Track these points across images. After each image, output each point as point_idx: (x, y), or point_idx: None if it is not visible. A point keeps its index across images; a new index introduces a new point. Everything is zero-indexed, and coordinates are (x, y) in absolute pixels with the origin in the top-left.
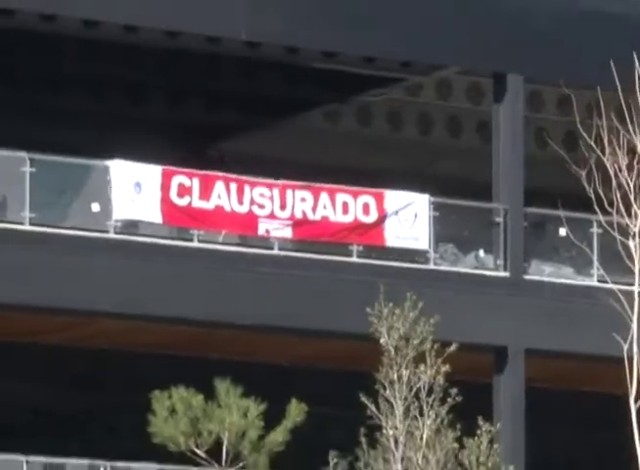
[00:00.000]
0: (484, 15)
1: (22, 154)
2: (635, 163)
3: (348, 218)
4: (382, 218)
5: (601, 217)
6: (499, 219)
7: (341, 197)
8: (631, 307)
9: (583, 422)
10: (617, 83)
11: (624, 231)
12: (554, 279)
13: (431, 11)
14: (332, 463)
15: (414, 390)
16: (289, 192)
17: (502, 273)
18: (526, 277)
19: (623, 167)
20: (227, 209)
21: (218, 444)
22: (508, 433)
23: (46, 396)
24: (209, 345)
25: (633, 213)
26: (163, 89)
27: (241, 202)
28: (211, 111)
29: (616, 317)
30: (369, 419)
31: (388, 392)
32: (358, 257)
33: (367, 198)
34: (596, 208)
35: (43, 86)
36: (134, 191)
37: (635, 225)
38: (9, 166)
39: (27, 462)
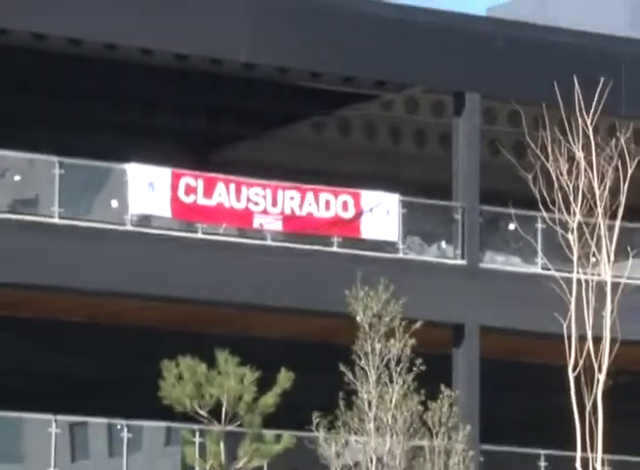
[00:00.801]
0: (446, 41)
1: (53, 158)
2: (574, 168)
3: (330, 214)
4: (358, 214)
5: (545, 214)
6: (458, 216)
7: (323, 196)
8: (570, 291)
9: (529, 389)
10: (560, 101)
11: (565, 226)
12: (505, 267)
13: (401, 38)
14: (315, 422)
15: (385, 360)
16: (279, 192)
17: (460, 262)
18: (481, 265)
19: (564, 172)
20: (227, 205)
21: (218, 405)
22: (465, 398)
23: (72, 365)
24: (211, 321)
25: (572, 211)
26: (172, 104)
27: (238, 199)
28: (213, 122)
29: (556, 300)
30: (347, 385)
31: (362, 362)
32: (338, 247)
33: (346, 197)
34: (541, 206)
35: (71, 101)
36: (147, 190)
37: (574, 221)
38: (41, 169)
39: (56, 420)
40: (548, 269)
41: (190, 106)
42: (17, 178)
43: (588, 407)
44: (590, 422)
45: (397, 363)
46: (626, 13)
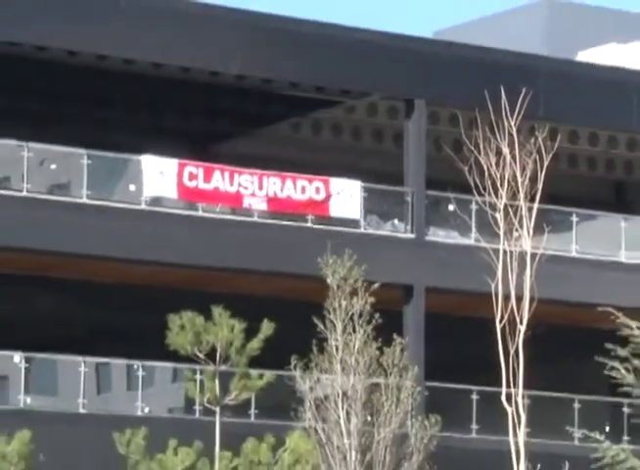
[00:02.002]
0: (400, 58)
1: (82, 151)
2: (501, 161)
3: (305, 197)
4: (328, 197)
5: (477, 198)
6: (408, 199)
7: (300, 182)
8: (497, 259)
9: (464, 338)
10: (490, 106)
11: (493, 207)
12: (445, 240)
13: (362, 55)
14: (292, 363)
15: (349, 314)
16: (264, 178)
17: (410, 235)
18: (426, 238)
19: (493, 164)
20: (222, 189)
21: (213, 350)
22: (413, 345)
23: (98, 318)
24: (208, 282)
25: (499, 195)
26: (178, 107)
27: (231, 184)
28: (211, 122)
29: (486, 266)
30: (319, 334)
31: (331, 316)
32: (312, 223)
33: (318, 183)
34: (474, 191)
35: (97, 105)
36: (158, 176)
37: (500, 203)
38: (73, 159)
39: (85, 362)
40: (479, 242)
41: (192, 109)
42: (53, 167)
43: (512, 352)
44: (513, 364)
45: (359, 317)
46: (542, 37)
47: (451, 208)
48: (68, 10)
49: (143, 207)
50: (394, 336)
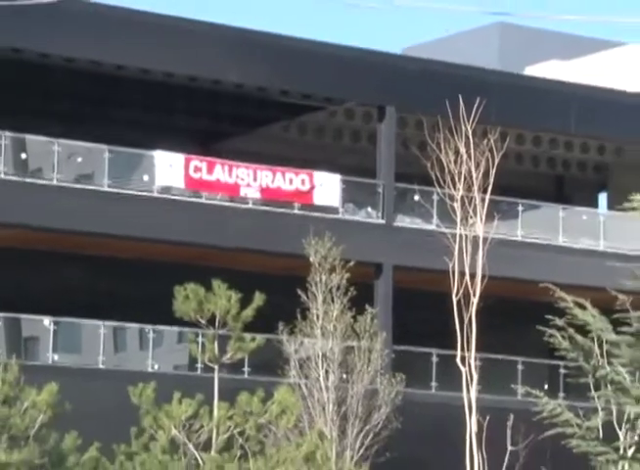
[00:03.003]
0: (374, 71)
1: (104, 146)
2: (458, 159)
3: (292, 187)
4: (312, 188)
5: (438, 190)
6: (380, 190)
7: (288, 175)
8: (454, 242)
9: (426, 309)
10: (450, 113)
11: (452, 198)
12: (411, 225)
13: (343, 68)
14: (280, 329)
15: (328, 287)
16: (258, 171)
17: (380, 221)
18: (395, 224)
19: (452, 161)
20: (222, 180)
21: (213, 316)
22: (382, 314)
23: (116, 288)
24: (209, 258)
25: (457, 188)
26: (186, 110)
27: (230, 176)
28: (214, 124)
29: (445, 247)
30: (302, 304)
31: (313, 288)
32: (298, 210)
33: (304, 176)
34: (436, 184)
35: (117, 109)
36: (168, 169)
37: (458, 195)
38: (96, 154)
39: (104, 325)
40: (440, 227)
41: (197, 112)
42: (79, 160)
43: (466, 321)
44: (467, 331)
45: (337, 290)
46: (495, 54)
47: (416, 198)
48: (93, 27)
49: (155, 194)
50: (366, 306)
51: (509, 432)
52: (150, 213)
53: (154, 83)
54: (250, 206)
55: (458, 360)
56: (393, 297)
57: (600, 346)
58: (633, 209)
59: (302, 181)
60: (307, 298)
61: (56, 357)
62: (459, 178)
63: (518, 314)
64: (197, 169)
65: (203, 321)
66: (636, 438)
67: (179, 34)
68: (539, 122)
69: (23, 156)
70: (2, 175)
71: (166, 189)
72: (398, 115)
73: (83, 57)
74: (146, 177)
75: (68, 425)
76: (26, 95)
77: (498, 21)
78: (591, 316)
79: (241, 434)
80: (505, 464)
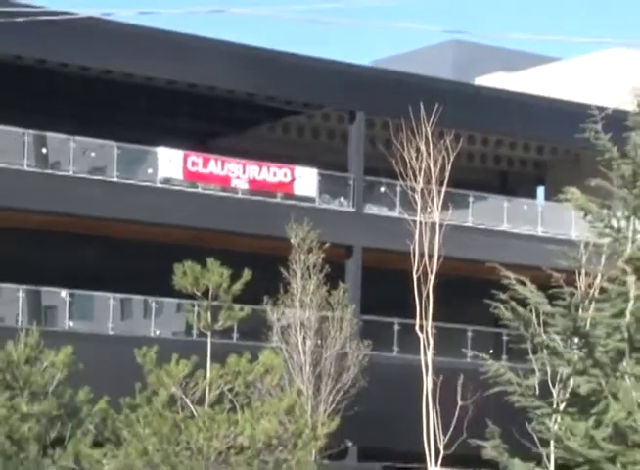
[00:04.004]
0: (347, 80)
1: (114, 143)
2: (419, 156)
3: (276, 180)
4: (293, 180)
5: (402, 183)
6: (351, 182)
7: (273, 169)
8: (415, 227)
9: (390, 284)
10: (412, 116)
11: (413, 189)
12: (377, 213)
13: (320, 77)
14: (265, 301)
15: (306, 266)
16: (247, 166)
17: (351, 209)
18: (364, 211)
19: (413, 158)
20: (215, 173)
21: (207, 289)
22: (352, 288)
23: (126, 266)
24: (204, 240)
25: (417, 181)
26: (185, 113)
27: (222, 170)
28: (209, 124)
29: (407, 232)
30: (284, 280)
31: (293, 266)
32: (280, 199)
33: (286, 170)
34: (399, 178)
35: (127, 112)
36: (169, 163)
37: (418, 187)
38: (107, 149)
39: (113, 297)
40: (403, 215)
41: (195, 114)
42: (92, 154)
43: (424, 295)
44: (425, 304)
45: (314, 268)
46: (450, 66)
47: (382, 189)
48: (105, 40)
49: (157, 185)
50: (339, 282)
51: (459, 389)
52: (153, 201)
53: (157, 89)
54: (239, 195)
55: (417, 328)
56: (362, 274)
57: (537, 316)
58: (567, 200)
59: (285, 174)
60: (288, 274)
61: (71, 324)
62: (419, 173)
63: (468, 290)
64: (194, 164)
65: (198, 294)
66: (567, 395)
67: (180, 47)
68: (487, 126)
69: (44, 151)
70: (25, 167)
71: (167, 180)
72: (367, 118)
73: (97, 66)
74: (150, 170)
75: (81, 382)
76: (47, 98)
77: (453, 38)
78: (530, 291)
79: (230, 390)
80: (455, 417)
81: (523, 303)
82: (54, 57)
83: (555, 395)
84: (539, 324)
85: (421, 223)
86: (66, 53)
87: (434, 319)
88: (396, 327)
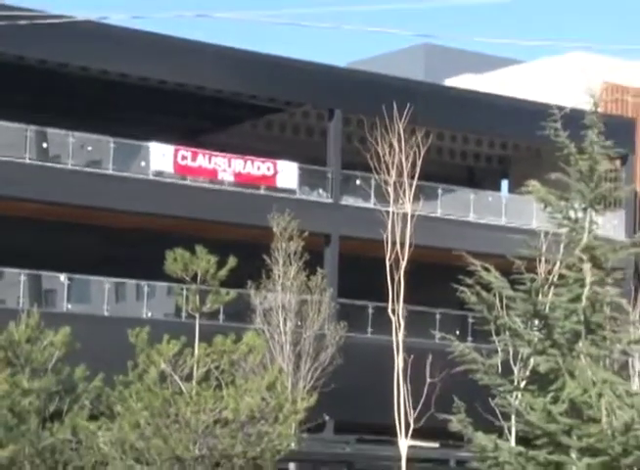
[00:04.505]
0: (325, 80)
1: (110, 138)
2: (392, 151)
3: (260, 173)
4: (275, 173)
5: (376, 176)
6: (329, 175)
7: (256, 163)
8: (388, 217)
9: (365, 270)
10: (385, 115)
11: (386, 182)
12: (353, 204)
13: (301, 78)
14: (249, 285)
15: (287, 252)
16: (232, 160)
17: (329, 200)
18: (341, 202)
19: (387, 153)
20: (204, 166)
21: (196, 274)
22: (330, 274)
23: (121, 253)
24: (193, 229)
25: (390, 175)
26: (176, 111)
27: (210, 163)
28: (197, 121)
29: (381, 222)
30: (267, 266)
31: (276, 253)
32: (264, 191)
33: (269, 164)
34: (374, 171)
35: (121, 108)
36: (161, 157)
37: (391, 180)
38: (103, 144)
39: (108, 281)
40: (377, 205)
41: (185, 112)
42: (89, 149)
43: (396, 280)
44: (397, 288)
45: (294, 255)
46: (421, 68)
47: (358, 182)
48: (102, 43)
49: (150, 177)
50: (317, 268)
51: (428, 368)
52: (146, 192)
53: (150, 88)
54: (225, 187)
55: (389, 311)
56: (339, 261)
57: (500, 300)
58: (528, 192)
59: (268, 168)
60: (270, 261)
61: (69, 306)
62: (392, 167)
63: (436, 275)
64: (183, 158)
65: (187, 278)
66: (527, 373)
67: (171, 50)
68: (455, 124)
69: (45, 145)
70: (27, 160)
71: (159, 173)
72: (344, 116)
73: (94, 67)
74: (143, 163)
75: (78, 360)
76: (48, 96)
77: (424, 42)
78: (494, 277)
79: (216, 368)
80: (424, 393)
81: (487, 287)
82: (54, 58)
83: (516, 373)
84: (502, 307)
85: (393, 214)
86: (65, 54)
87: (405, 303)
88: (370, 310)
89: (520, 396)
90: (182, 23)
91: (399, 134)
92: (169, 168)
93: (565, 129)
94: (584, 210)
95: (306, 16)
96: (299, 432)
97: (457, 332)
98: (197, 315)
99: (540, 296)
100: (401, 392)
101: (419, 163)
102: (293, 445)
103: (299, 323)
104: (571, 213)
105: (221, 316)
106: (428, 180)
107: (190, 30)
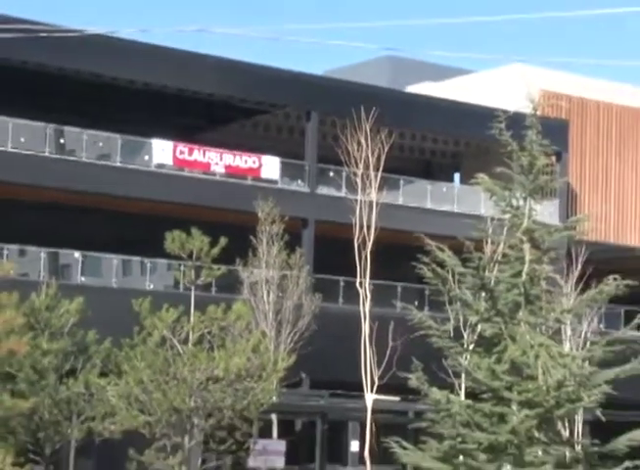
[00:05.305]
0: (305, 87)
1: (118, 135)
2: (361, 148)
3: (247, 166)
4: (260, 166)
5: (347, 169)
6: (306, 168)
7: (244, 157)
8: (356, 205)
9: (337, 250)
10: (354, 117)
11: (355, 175)
12: (327, 193)
13: (283, 84)
14: (237, 262)
15: (271, 234)
16: (224, 154)
17: (307, 190)
18: (317, 191)
19: (355, 150)
20: (199, 160)
21: (191, 252)
22: (307, 254)
23: (126, 234)
24: (190, 213)
25: (359, 168)
26: (175, 111)
27: (204, 157)
28: (194, 121)
29: (350, 208)
30: (253, 247)
31: (260, 235)
32: (250, 181)
33: (255, 158)
34: (345, 165)
35: (127, 110)
36: (162, 151)
37: (359, 173)
38: (112, 140)
39: (116, 258)
40: (347, 194)
41: (183, 113)
42: (100, 144)
43: (363, 257)
44: (364, 265)
45: (276, 236)
46: (385, 77)
47: (331, 174)
48: (112, 53)
49: (152, 169)
50: (296, 248)
51: (390, 333)
52: (148, 182)
53: (153, 93)
54: (217, 178)
55: (357, 285)
56: (314, 241)
57: (452, 276)
58: (477, 183)
59: (254, 161)
60: (256, 241)
61: (83, 279)
62: (360, 161)
63: (398, 254)
64: (181, 152)
65: (184, 256)
66: (475, 337)
67: (172, 59)
68: (415, 124)
69: (62, 141)
70: (47, 154)
71: (160, 165)
72: (320, 117)
73: (106, 74)
74: (146, 157)
75: (90, 325)
76: (65, 99)
77: (389, 54)
78: (447, 256)
79: (209, 333)
80: (387, 355)
81: (441, 265)
82: (71, 65)
83: (465, 337)
84: (454, 282)
85: (361, 201)
86: (80, 63)
87: (371, 278)
88: (341, 284)
89: (468, 357)
90: (183, 37)
91: (366, 133)
92: (169, 161)
93: (508, 130)
94: (524, 198)
95: (289, 31)
96: (280, 387)
97: (416, 303)
98: (192, 287)
99: (487, 272)
100: (367, 354)
101: (383, 157)
102: (274, 398)
103: (280, 295)
104: (514, 202)
105: (213, 288)
106: (390, 173)
107: (190, 42)
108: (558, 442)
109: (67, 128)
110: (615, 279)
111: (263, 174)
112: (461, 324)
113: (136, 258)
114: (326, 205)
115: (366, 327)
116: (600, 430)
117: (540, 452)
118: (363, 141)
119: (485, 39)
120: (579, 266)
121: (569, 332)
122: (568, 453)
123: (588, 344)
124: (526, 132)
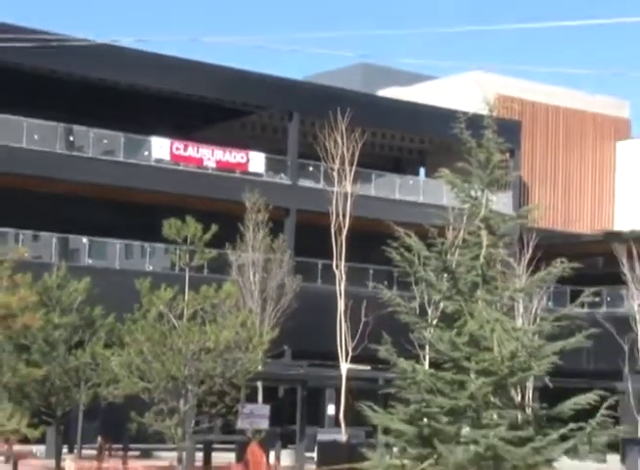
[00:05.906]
0: (288, 91)
1: (121, 134)
2: (336, 145)
3: (236, 161)
4: (247, 161)
5: (324, 164)
6: (288, 163)
7: (233, 153)
8: (333, 196)
9: (316, 236)
10: (331, 118)
11: (332, 169)
12: (307, 185)
13: (268, 87)
14: (227, 247)
15: (257, 222)
16: (215, 150)
17: (289, 182)
18: (298, 183)
19: (332, 147)
20: (193, 155)
21: (186, 238)
22: (289, 239)
23: (130, 223)
24: (185, 202)
25: (335, 163)
26: (171, 112)
27: (197, 153)
28: (188, 121)
29: (328, 199)
30: (241, 233)
31: (247, 222)
32: (239, 174)
33: (243, 154)
34: (323, 160)
35: (129, 111)
36: (160, 148)
37: (336, 167)
38: (116, 138)
39: (119, 243)
40: (325, 187)
41: (179, 113)
42: (105, 141)
43: (339, 243)
44: (340, 249)
45: (262, 223)
46: (359, 82)
47: (311, 168)
48: (117, 59)
49: (152, 163)
50: (279, 234)
51: (363, 310)
52: (148, 175)
53: (152, 95)
54: (209, 171)
55: (334, 267)
56: (296, 228)
57: (418, 259)
58: (440, 177)
59: (242, 157)
60: (243, 228)
61: (90, 261)
62: (336, 157)
63: (370, 239)
64: (177, 149)
65: (180, 241)
66: (438, 313)
67: (168, 65)
68: (385, 124)
69: (71, 138)
70: (58, 150)
71: (159, 160)
72: (301, 118)
73: (109, 78)
74: (146, 153)
75: (96, 302)
76: (73, 101)
77: (362, 61)
78: (414, 241)
79: (202, 310)
80: (360, 329)
81: (408, 249)
82: (78, 71)
83: (429, 313)
84: (420, 264)
85: (337, 193)
86: (87, 69)
87: (346, 261)
88: (320, 266)
89: (432, 331)
90: (178, 45)
91: (342, 132)
92: (166, 157)
93: (468, 129)
94: (482, 190)
95: (273, 39)
96: (265, 358)
97: (385, 283)
98: (187, 269)
99: (448, 255)
100: (343, 328)
101: (357, 154)
102: (260, 367)
103: (265, 275)
104: (472, 193)
105: (205, 270)
106: (364, 167)
107: (185, 50)
108: (511, 406)
109: (75, 127)
110: (562, 262)
111: (250, 168)
112: (426, 302)
113: (137, 243)
114: (306, 196)
115: (341, 304)
116: (548, 395)
117: (495, 415)
118: (339, 139)
119: (448, 48)
120: (530, 251)
121: (521, 309)
122: (520, 416)
123: (538, 319)
124: (484, 132)
